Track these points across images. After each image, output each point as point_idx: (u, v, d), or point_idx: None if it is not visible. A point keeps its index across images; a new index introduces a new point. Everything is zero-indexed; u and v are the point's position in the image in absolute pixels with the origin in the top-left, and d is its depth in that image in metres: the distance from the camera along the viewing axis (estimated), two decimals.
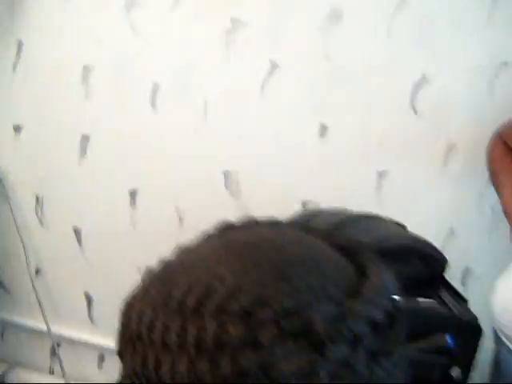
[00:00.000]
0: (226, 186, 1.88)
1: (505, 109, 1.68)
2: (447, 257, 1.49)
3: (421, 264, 1.49)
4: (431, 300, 1.40)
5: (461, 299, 1.45)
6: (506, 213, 1.48)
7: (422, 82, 1.72)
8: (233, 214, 1.72)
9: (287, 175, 1.82)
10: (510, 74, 1.67)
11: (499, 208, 1.73)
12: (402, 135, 1.78)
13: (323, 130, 1.77)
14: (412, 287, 1.44)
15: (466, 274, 1.89)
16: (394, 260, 1.39)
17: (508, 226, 1.69)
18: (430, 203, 1.85)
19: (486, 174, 1.71)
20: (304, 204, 1.82)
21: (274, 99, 1.79)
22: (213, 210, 1.51)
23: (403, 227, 1.61)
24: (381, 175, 1.81)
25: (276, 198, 1.81)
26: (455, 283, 1.45)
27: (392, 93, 1.75)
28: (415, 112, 1.76)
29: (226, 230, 0.57)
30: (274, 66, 1.76)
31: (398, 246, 1.42)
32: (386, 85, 1.74)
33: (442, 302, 1.42)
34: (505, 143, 1.58)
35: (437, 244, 1.80)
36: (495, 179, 1.59)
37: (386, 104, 1.76)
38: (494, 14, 1.65)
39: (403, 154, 1.79)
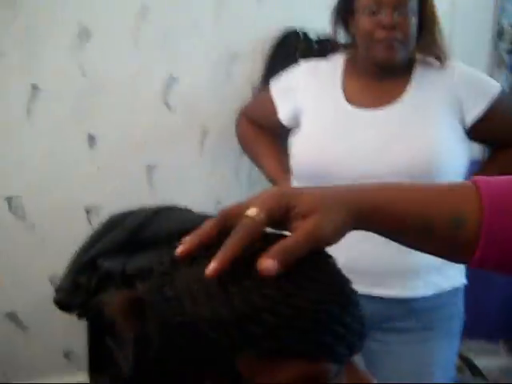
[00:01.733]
0: (11, 210, 2.10)
1: (242, 91, 2.17)
2: None
3: None
4: None
5: None
6: (272, 180, 1.93)
7: (170, 82, 2.14)
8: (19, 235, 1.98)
9: (67, 187, 2.09)
10: (242, 62, 2.16)
11: (254, 175, 2.23)
12: (162, 129, 2.17)
13: (91, 139, 2.08)
14: None
15: (217, 203, 2.35)
16: None
17: (263, 188, 2.19)
18: (196, 183, 2.28)
19: (237, 150, 2.19)
20: (88, 210, 2.12)
21: (40, 121, 2.05)
22: None
23: (191, 210, 2.01)
24: (150, 168, 2.18)
25: (62, 209, 2.08)
26: None
27: (146, 94, 2.13)
28: (169, 108, 2.16)
29: None
30: (35, 90, 2.01)
31: (195, 225, 1.82)
32: (140, 88, 2.11)
33: None
34: (249, 120, 2.01)
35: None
36: (250, 152, 2.04)
37: (143, 105, 2.13)
38: (220, 13, 2.13)
39: (166, 145, 2.18)
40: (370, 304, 1.60)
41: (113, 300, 0.80)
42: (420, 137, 1.56)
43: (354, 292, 0.72)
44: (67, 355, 2.22)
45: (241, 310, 0.66)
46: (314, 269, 0.69)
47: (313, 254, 0.69)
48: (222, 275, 0.66)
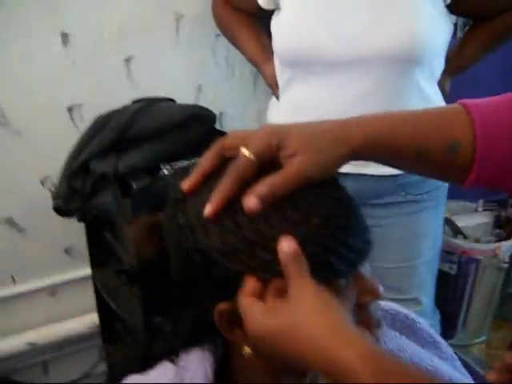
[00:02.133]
0: None
1: None
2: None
3: (199, 125, 1.93)
4: None
5: None
6: (255, 64, 1.93)
7: None
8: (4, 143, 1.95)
9: (46, 89, 2.06)
10: None
11: (232, 56, 2.22)
12: (136, 20, 2.12)
13: (65, 37, 2.03)
14: (197, 147, 1.89)
15: (221, 116, 2.38)
16: (183, 129, 1.85)
17: (243, 69, 2.20)
18: (175, 70, 2.26)
19: (213, 33, 2.17)
20: (70, 109, 2.11)
21: (11, 24, 1.99)
22: None
23: (173, 101, 2.02)
24: (128, 61, 2.15)
25: (44, 111, 2.06)
26: None
27: None
28: None
29: None
30: None
31: (181, 118, 1.84)
32: None
33: None
34: (226, 1, 1.96)
35: (192, 100, 2.28)
36: (229, 35, 2.02)
37: None
38: None
39: (141, 36, 2.14)
40: (360, 182, 1.67)
41: (134, 225, 0.84)
42: (404, 15, 1.56)
43: (356, 209, 0.77)
44: (68, 251, 2.28)
45: (251, 239, 0.72)
46: (317, 194, 0.74)
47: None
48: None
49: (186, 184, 0.77)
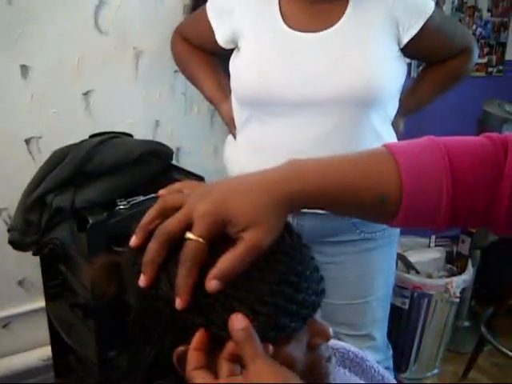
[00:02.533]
0: None
1: (174, 11, 2.16)
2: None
3: (157, 160, 1.94)
4: None
5: (197, 176, 1.96)
6: (213, 103, 1.96)
7: (101, 5, 2.09)
8: None
9: (4, 121, 2.06)
10: None
11: (190, 92, 2.24)
12: (96, 55, 2.14)
13: (25, 70, 2.04)
14: (153, 182, 1.91)
15: (178, 152, 2.40)
16: (141, 164, 1.86)
17: (201, 105, 2.23)
18: (133, 105, 2.28)
19: (171, 69, 2.19)
20: (27, 141, 2.11)
21: None
22: None
23: (131, 135, 2.03)
24: (87, 95, 2.17)
25: (1, 143, 2.07)
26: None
27: (78, 21, 2.08)
28: (101, 32, 2.12)
29: None
30: None
31: (139, 153, 1.85)
32: (70, 15, 2.06)
33: None
34: (184, 38, 2.00)
35: (149, 135, 2.30)
36: (188, 73, 2.04)
37: (74, 32, 2.08)
38: None
39: (101, 70, 2.16)
40: (316, 220, 1.71)
41: (94, 263, 0.85)
42: (361, 59, 1.61)
43: (307, 261, 0.79)
44: (21, 283, 2.26)
45: (213, 296, 0.73)
46: (266, 258, 0.75)
47: None
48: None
49: (133, 241, 0.79)
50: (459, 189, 0.79)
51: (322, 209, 0.83)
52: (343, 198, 0.81)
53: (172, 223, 0.75)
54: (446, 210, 0.80)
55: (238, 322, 0.71)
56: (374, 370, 1.05)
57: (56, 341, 2.15)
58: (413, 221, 0.83)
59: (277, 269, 0.75)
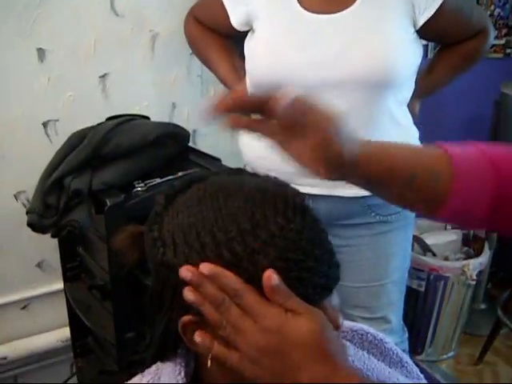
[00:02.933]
0: None
1: None
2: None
3: (173, 143, 1.95)
4: None
5: (214, 159, 1.97)
6: (227, 85, 1.96)
7: None
8: None
9: (21, 104, 2.08)
10: None
11: (206, 75, 2.24)
12: (112, 37, 2.14)
13: (41, 53, 2.05)
14: (170, 164, 1.92)
15: (194, 134, 2.41)
16: (157, 147, 1.87)
17: (217, 87, 2.23)
18: (149, 88, 2.29)
19: (187, 51, 2.18)
20: (45, 124, 2.13)
21: None
22: None
23: (148, 118, 2.04)
24: (103, 78, 2.18)
25: (19, 126, 2.09)
26: None
27: (94, 4, 2.09)
28: (117, 15, 2.13)
29: None
30: None
31: (156, 136, 1.86)
32: None
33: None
34: (198, 20, 1.98)
35: (166, 117, 2.31)
36: (202, 55, 2.04)
37: (90, 15, 2.09)
38: None
39: (118, 53, 2.17)
40: (330, 203, 1.71)
41: (121, 232, 0.90)
42: (376, 41, 1.61)
43: (321, 235, 0.80)
44: (40, 266, 2.29)
45: (212, 262, 0.75)
46: (277, 225, 0.76)
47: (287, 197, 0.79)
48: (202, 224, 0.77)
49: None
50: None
51: (378, 183, 0.87)
52: (400, 167, 0.85)
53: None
54: (487, 202, 0.85)
55: (269, 278, 0.72)
56: (393, 353, 1.05)
57: (74, 322, 2.18)
58: (461, 207, 0.86)
59: (287, 236, 0.76)
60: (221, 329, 0.74)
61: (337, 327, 0.79)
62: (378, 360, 1.01)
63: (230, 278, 0.73)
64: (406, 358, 1.07)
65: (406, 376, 1.03)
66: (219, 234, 0.76)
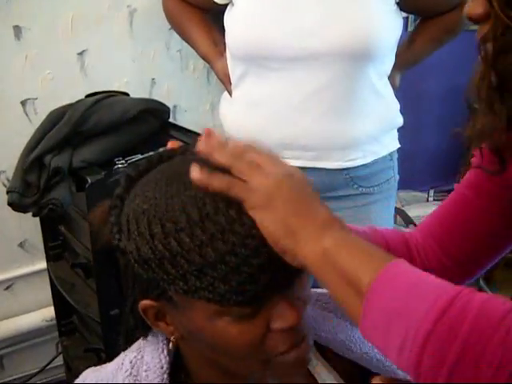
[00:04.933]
0: None
1: None
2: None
3: (154, 119, 1.94)
4: None
5: (195, 133, 1.96)
6: (207, 60, 1.93)
7: None
8: None
9: (3, 81, 2.06)
10: None
11: (186, 50, 2.23)
12: (89, 14, 2.12)
13: (18, 31, 2.02)
14: (151, 140, 1.91)
15: (175, 110, 2.39)
16: (137, 123, 1.86)
17: (197, 62, 2.22)
18: (128, 64, 2.27)
19: (165, 26, 2.16)
20: (23, 103, 2.11)
21: None
22: None
23: (127, 94, 2.03)
24: (81, 55, 2.15)
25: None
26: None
27: None
28: None
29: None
30: None
31: (135, 112, 1.85)
32: None
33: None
34: None
35: (145, 94, 2.29)
36: (181, 31, 2.01)
37: None
38: None
39: (95, 30, 2.15)
40: (313, 175, 1.70)
41: (97, 207, 0.93)
42: (356, 12, 1.61)
43: (256, 240, 0.74)
44: (22, 245, 2.28)
45: (160, 252, 0.75)
46: (228, 218, 0.74)
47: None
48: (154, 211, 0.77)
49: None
50: None
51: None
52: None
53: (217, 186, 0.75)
54: None
55: None
56: None
57: (58, 301, 2.18)
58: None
59: (236, 231, 0.73)
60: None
61: (289, 325, 0.77)
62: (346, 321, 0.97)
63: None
64: None
65: None
66: (168, 224, 0.75)
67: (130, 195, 0.82)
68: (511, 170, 0.91)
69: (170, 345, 0.83)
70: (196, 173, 0.75)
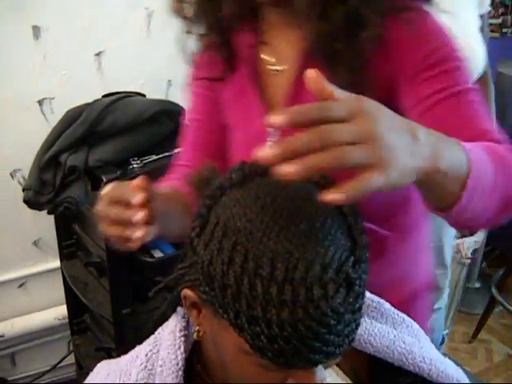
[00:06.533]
0: None
1: None
2: None
3: (169, 120, 1.95)
4: None
5: None
6: None
7: None
8: None
9: (16, 81, 2.07)
10: None
11: None
12: (107, 15, 2.13)
13: (37, 31, 2.04)
14: (166, 141, 1.92)
15: (169, 84, 2.40)
16: (153, 124, 1.87)
17: None
18: (145, 65, 2.28)
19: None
20: (40, 103, 2.12)
21: None
22: None
23: (143, 95, 2.04)
24: (99, 56, 2.17)
25: (14, 104, 2.07)
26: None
27: None
28: None
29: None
30: None
31: (151, 113, 1.86)
32: None
33: None
34: None
35: (161, 95, 2.30)
36: None
37: None
38: None
39: (113, 31, 2.16)
40: None
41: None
42: None
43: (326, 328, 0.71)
44: (36, 244, 2.29)
45: (229, 281, 0.71)
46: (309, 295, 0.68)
47: None
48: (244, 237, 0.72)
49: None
50: None
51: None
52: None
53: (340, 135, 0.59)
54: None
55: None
56: (394, 313, 0.99)
57: (71, 300, 2.19)
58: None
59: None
60: None
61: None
62: (380, 323, 0.96)
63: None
64: (408, 318, 1.02)
65: (412, 336, 0.98)
66: (251, 263, 0.69)
67: (230, 197, 0.76)
68: None
69: (195, 335, 0.82)
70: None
